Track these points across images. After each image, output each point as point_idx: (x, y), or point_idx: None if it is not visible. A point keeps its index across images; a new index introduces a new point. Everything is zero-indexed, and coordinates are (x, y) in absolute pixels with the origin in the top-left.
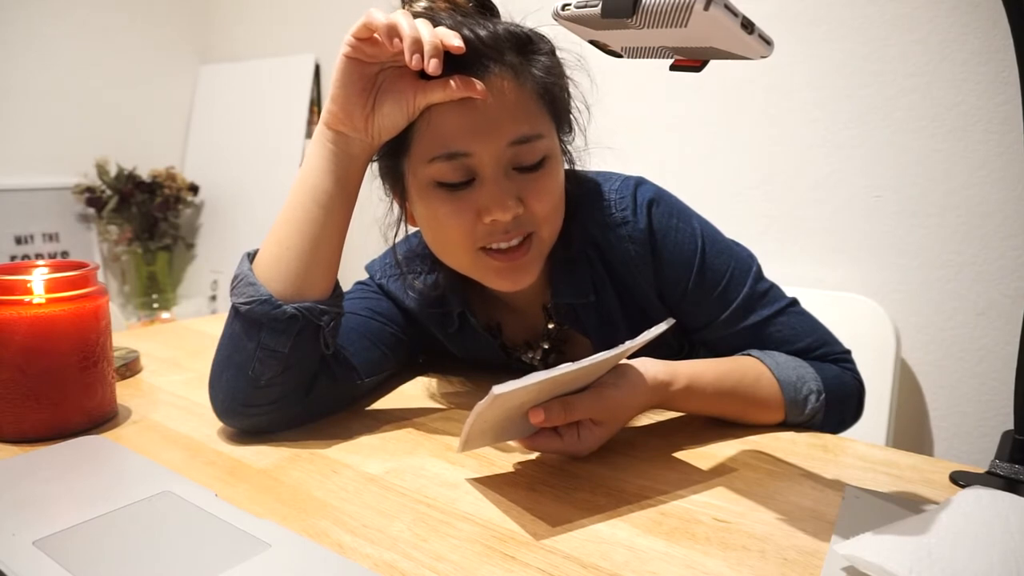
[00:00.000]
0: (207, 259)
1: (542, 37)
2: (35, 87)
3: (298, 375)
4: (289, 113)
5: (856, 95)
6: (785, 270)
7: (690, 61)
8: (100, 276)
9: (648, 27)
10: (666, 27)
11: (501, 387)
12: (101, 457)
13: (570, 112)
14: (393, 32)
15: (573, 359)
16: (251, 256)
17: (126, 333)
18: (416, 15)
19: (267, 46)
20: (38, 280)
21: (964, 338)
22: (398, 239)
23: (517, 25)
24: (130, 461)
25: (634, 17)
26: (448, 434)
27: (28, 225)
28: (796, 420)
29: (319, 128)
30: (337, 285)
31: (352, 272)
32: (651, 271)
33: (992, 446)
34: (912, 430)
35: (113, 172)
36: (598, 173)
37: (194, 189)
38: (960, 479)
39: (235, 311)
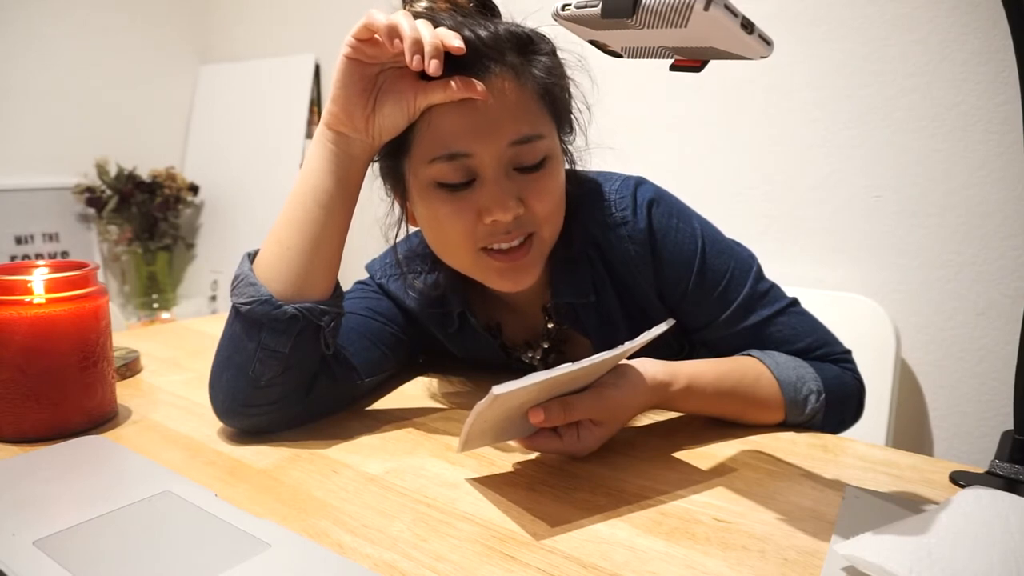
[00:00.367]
0: (207, 259)
1: (543, 37)
2: (35, 87)
3: (298, 375)
4: (289, 113)
5: (856, 95)
6: (785, 270)
7: (690, 61)
8: (100, 276)
9: (648, 27)
10: (666, 27)
11: (501, 387)
12: (101, 457)
13: (571, 112)
14: (394, 33)
15: (573, 359)
16: (251, 256)
17: (126, 333)
18: (417, 16)
19: (267, 46)
20: (38, 280)
21: (964, 338)
22: (399, 239)
23: (518, 25)
24: (130, 461)
25: (634, 17)
26: (448, 434)
27: (28, 225)
28: (796, 420)
29: (320, 129)
30: (337, 285)
31: (352, 272)
32: (651, 271)
33: (992, 446)
34: (912, 430)
35: (113, 172)
36: (598, 173)
37: (194, 189)
38: (960, 479)
39: (235, 311)
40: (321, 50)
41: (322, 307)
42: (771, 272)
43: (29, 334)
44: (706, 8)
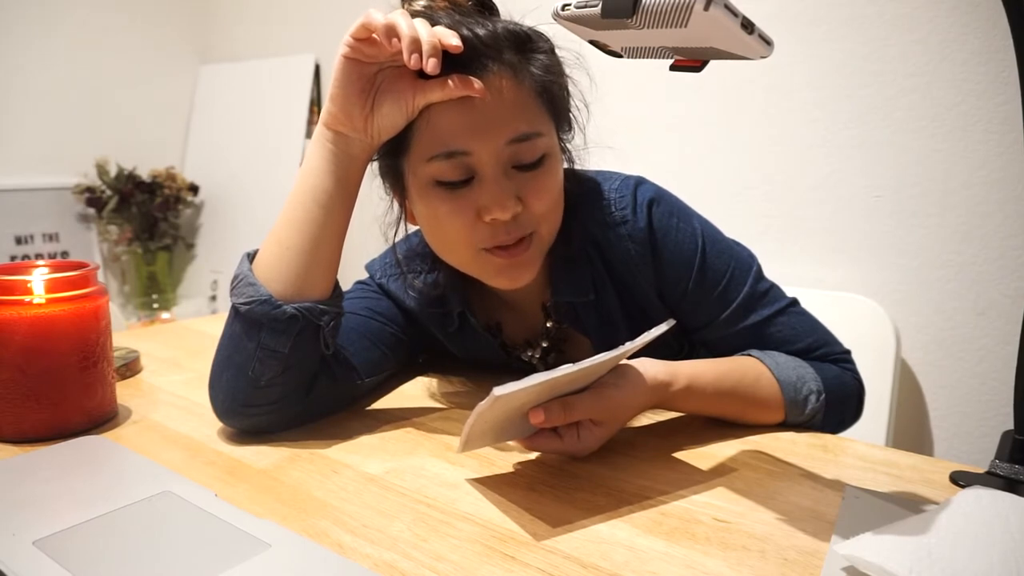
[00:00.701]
0: (207, 259)
1: (541, 35)
2: (35, 87)
3: (298, 375)
4: (289, 113)
5: (856, 95)
6: (785, 270)
7: (690, 61)
8: (100, 276)
9: (648, 27)
10: (666, 27)
11: (502, 388)
12: (101, 457)
13: (569, 110)
14: (391, 32)
15: (572, 358)
16: (251, 256)
17: (126, 333)
18: (415, 14)
19: (267, 46)
20: (38, 280)
21: (964, 338)
22: (398, 238)
23: (516, 24)
24: (130, 461)
25: (634, 17)
26: (448, 434)
27: (28, 225)
28: (796, 420)
29: (319, 128)
30: (337, 285)
31: (352, 272)
32: (651, 270)
33: (992, 446)
34: (912, 430)
35: (113, 172)
36: (598, 172)
37: (194, 189)
38: (960, 479)
39: (235, 311)
40: (321, 50)
41: (322, 307)
42: (771, 272)
43: (29, 334)
44: (706, 8)
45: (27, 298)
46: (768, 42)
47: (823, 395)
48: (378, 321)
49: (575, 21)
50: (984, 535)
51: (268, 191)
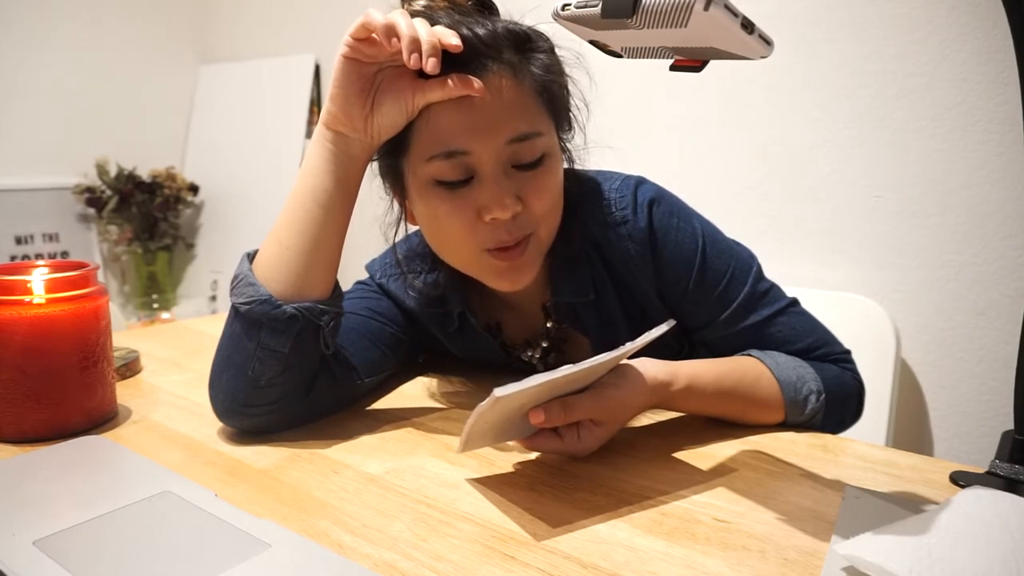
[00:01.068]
0: (207, 259)
1: (541, 35)
2: (35, 87)
3: (298, 375)
4: (289, 113)
5: (856, 95)
6: (785, 270)
7: (690, 61)
8: (100, 276)
9: (648, 27)
10: (666, 27)
11: (502, 389)
12: (101, 457)
13: (569, 110)
14: (391, 32)
15: (572, 358)
16: (251, 256)
17: (126, 333)
18: (414, 14)
19: (267, 46)
20: (38, 280)
21: (964, 338)
22: (398, 238)
23: (516, 23)
24: (130, 461)
25: (634, 17)
26: (448, 434)
27: (28, 225)
28: (796, 420)
29: (318, 128)
30: (337, 285)
31: (352, 272)
32: (651, 270)
33: (992, 446)
34: (912, 430)
35: (113, 172)
36: (598, 172)
37: (194, 189)
38: (960, 479)
39: (235, 311)
40: (321, 50)
41: (321, 307)
42: (771, 272)
43: (29, 334)
44: (706, 8)
45: (27, 298)
46: (768, 42)
47: (823, 395)
48: (378, 321)
49: (575, 21)
50: (984, 535)
51: (268, 191)
